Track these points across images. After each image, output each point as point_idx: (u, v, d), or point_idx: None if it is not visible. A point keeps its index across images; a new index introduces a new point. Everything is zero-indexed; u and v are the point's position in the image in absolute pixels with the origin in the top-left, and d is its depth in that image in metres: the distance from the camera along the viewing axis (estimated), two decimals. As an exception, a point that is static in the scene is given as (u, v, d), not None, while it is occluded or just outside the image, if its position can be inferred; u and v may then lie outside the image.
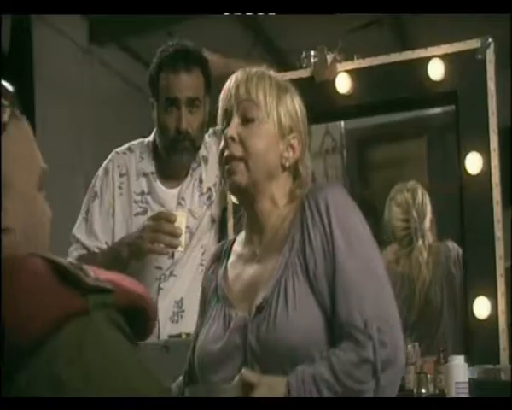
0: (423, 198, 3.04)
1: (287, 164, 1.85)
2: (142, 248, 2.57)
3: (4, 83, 1.17)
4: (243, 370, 1.65)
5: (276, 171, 1.84)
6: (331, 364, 1.63)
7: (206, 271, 2.02)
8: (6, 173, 1.10)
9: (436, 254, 2.99)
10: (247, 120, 1.82)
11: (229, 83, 1.88)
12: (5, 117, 1.11)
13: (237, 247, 1.95)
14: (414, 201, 3.04)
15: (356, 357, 1.62)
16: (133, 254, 2.61)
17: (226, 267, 1.93)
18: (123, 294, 1.06)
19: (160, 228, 2.52)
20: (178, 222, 2.52)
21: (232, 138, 1.82)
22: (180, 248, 2.56)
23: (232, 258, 1.94)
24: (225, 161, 1.83)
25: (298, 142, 1.86)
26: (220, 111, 1.90)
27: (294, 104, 1.87)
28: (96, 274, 1.05)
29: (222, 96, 1.90)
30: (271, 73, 1.89)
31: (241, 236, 1.96)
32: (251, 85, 1.83)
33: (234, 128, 1.82)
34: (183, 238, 2.54)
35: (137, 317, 1.08)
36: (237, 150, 1.81)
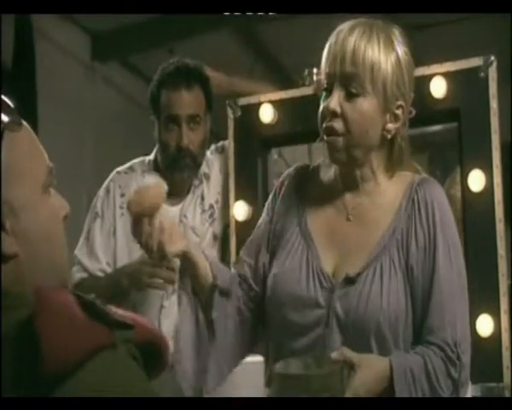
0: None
1: (388, 136, 1.82)
2: (141, 282, 2.56)
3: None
4: (344, 348, 1.68)
5: (376, 143, 1.82)
6: (426, 367, 1.70)
7: (280, 194, 1.97)
8: (5, 188, 1.10)
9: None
10: (351, 95, 1.76)
11: (336, 41, 1.78)
12: None
13: (322, 182, 1.93)
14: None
15: (445, 370, 1.70)
16: (133, 285, 2.61)
17: (309, 199, 1.91)
18: (141, 330, 1.10)
19: (159, 263, 2.52)
20: None
21: (334, 113, 1.76)
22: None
23: (315, 193, 1.92)
24: (325, 132, 1.79)
25: (402, 110, 1.82)
26: (325, 68, 1.81)
27: (401, 65, 1.79)
28: (115, 311, 1.09)
29: (326, 53, 1.81)
30: (378, 25, 1.80)
31: (329, 175, 1.92)
32: (358, 55, 1.74)
33: (336, 101, 1.76)
34: None
35: (152, 353, 1.13)
36: (339, 125, 1.77)
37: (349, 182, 1.86)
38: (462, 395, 1.74)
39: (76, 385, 1.00)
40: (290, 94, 2.89)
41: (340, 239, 1.84)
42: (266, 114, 2.88)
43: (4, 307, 1.06)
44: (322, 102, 1.83)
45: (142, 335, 1.10)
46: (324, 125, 1.79)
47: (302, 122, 2.79)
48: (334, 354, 1.65)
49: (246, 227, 2.84)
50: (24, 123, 1.17)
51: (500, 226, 2.49)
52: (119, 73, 5.60)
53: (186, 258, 1.88)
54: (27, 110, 4.11)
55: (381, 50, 1.76)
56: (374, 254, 1.77)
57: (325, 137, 1.80)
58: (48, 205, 1.18)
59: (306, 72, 2.89)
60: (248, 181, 2.89)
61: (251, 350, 1.97)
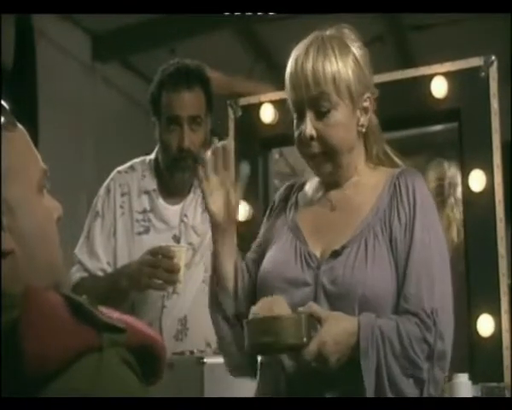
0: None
1: (363, 130, 1.92)
2: (141, 283, 2.56)
3: None
4: (311, 302, 1.75)
5: (355, 142, 1.92)
6: (398, 328, 1.74)
7: (272, 209, 2.08)
8: (1, 187, 1.11)
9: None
10: (321, 114, 1.85)
11: (295, 69, 1.87)
12: None
13: (308, 189, 2.03)
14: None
15: (419, 333, 1.74)
16: (133, 286, 2.61)
17: (297, 204, 2.01)
18: (134, 334, 1.08)
19: (159, 264, 2.52)
20: (177, 258, 2.52)
21: (312, 137, 1.85)
22: (178, 285, 2.54)
23: (303, 197, 2.02)
24: (307, 157, 1.90)
25: (369, 100, 1.92)
26: (290, 95, 1.91)
27: (359, 62, 1.89)
28: (108, 313, 1.07)
29: (289, 82, 1.90)
30: (330, 35, 1.89)
31: (313, 182, 2.02)
32: (318, 74, 1.83)
33: (310, 126, 1.85)
34: (182, 274, 2.53)
35: (148, 359, 1.10)
36: (318, 148, 1.87)
37: (333, 183, 1.96)
38: (439, 369, 1.77)
39: (58, 387, 0.99)
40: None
41: (325, 226, 1.92)
42: (267, 113, 2.88)
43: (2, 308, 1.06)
44: (294, 125, 1.93)
45: (137, 339, 1.08)
46: (306, 152, 1.89)
47: (303, 122, 2.79)
48: (300, 308, 1.73)
49: (246, 227, 2.84)
50: (18, 124, 1.18)
51: (501, 226, 2.48)
52: (120, 73, 5.61)
53: None
54: (28, 110, 4.11)
55: (337, 59, 1.85)
56: (358, 230, 1.85)
57: (310, 161, 1.91)
58: (42, 205, 1.18)
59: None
60: (249, 181, 2.89)
61: None
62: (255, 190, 2.90)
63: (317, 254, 1.87)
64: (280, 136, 2.90)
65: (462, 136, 2.60)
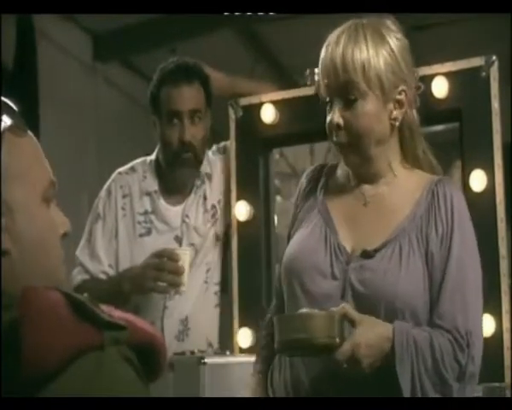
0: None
1: (396, 123, 1.85)
2: (145, 286, 2.56)
3: (4, 99, 1.18)
4: (344, 303, 1.72)
5: (387, 135, 1.86)
6: (431, 340, 1.71)
7: (301, 190, 2.02)
8: (3, 188, 1.11)
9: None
10: (350, 102, 1.81)
11: (325, 55, 1.84)
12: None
13: (340, 177, 1.97)
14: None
15: (452, 352, 1.71)
16: (135, 289, 2.61)
17: (327, 187, 1.96)
18: (135, 332, 1.08)
19: (163, 266, 2.51)
20: (182, 261, 2.51)
21: (338, 126, 1.81)
22: (183, 288, 2.54)
23: (334, 183, 1.97)
24: (335, 147, 1.87)
25: (405, 94, 1.85)
26: (322, 84, 1.86)
27: (395, 53, 1.83)
28: (109, 312, 1.07)
29: (320, 69, 1.86)
30: (366, 24, 1.84)
31: (345, 168, 1.95)
32: (347, 61, 1.79)
33: (337, 114, 1.82)
34: (186, 277, 2.52)
35: (149, 356, 1.10)
36: (345, 137, 1.82)
37: (366, 178, 1.91)
38: (468, 391, 1.74)
39: (58, 387, 0.99)
40: (291, 94, 2.89)
41: (358, 221, 1.88)
42: (268, 114, 2.88)
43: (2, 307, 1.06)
44: (327, 116, 1.87)
45: (138, 336, 1.08)
46: (333, 142, 1.85)
47: (304, 122, 2.80)
48: (334, 308, 1.70)
49: (247, 227, 2.85)
50: (29, 132, 1.18)
51: (501, 226, 2.49)
52: (121, 73, 5.60)
53: None
54: (29, 110, 4.11)
55: (369, 47, 1.80)
56: (393, 235, 1.81)
57: (337, 151, 1.87)
58: (47, 216, 1.18)
59: (308, 71, 2.89)
60: (250, 181, 2.90)
61: None
62: (256, 190, 2.90)
63: (348, 247, 1.84)
64: (281, 136, 2.91)
65: (463, 136, 2.61)
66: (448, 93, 2.61)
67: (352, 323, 1.68)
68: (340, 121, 1.81)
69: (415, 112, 1.90)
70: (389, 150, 1.88)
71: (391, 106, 1.83)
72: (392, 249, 1.78)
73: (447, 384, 1.71)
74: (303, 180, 2.03)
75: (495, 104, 2.52)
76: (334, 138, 1.84)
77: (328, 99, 1.86)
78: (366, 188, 1.90)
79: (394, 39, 1.84)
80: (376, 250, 1.80)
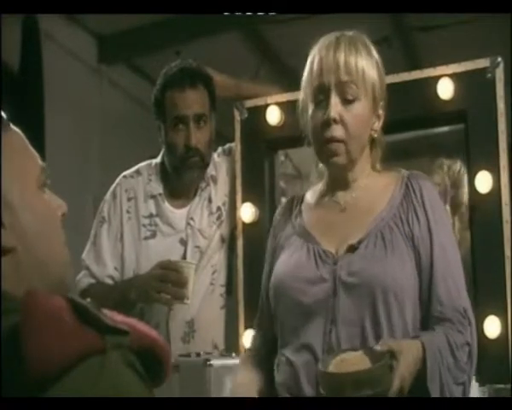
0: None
1: (375, 135, 1.97)
2: (149, 297, 2.56)
3: None
4: (384, 339, 1.75)
5: (367, 143, 1.96)
6: (449, 342, 1.79)
7: (276, 220, 2.12)
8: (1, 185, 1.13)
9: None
10: (347, 101, 1.88)
11: (326, 54, 1.90)
12: None
13: (310, 198, 2.05)
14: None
15: (463, 338, 1.81)
16: (140, 299, 2.61)
17: (301, 212, 2.04)
18: (138, 336, 1.08)
19: (168, 278, 2.51)
20: (186, 273, 2.51)
21: (335, 120, 1.87)
22: (186, 301, 2.53)
23: (306, 206, 2.04)
24: (326, 141, 1.90)
25: (383, 110, 1.96)
26: (315, 80, 1.92)
27: (380, 69, 1.94)
28: (112, 316, 1.07)
29: (316, 64, 1.91)
30: (355, 37, 1.93)
31: (315, 189, 2.05)
32: (350, 64, 1.87)
33: (335, 108, 1.87)
34: (190, 290, 2.52)
35: (152, 361, 1.10)
36: (339, 132, 1.88)
37: (340, 184, 1.98)
38: (473, 358, 1.83)
39: (61, 391, 0.99)
40: (297, 96, 2.87)
41: (337, 227, 1.94)
42: (273, 115, 2.88)
43: (2, 311, 1.06)
44: (311, 111, 1.93)
45: (141, 341, 1.08)
46: (325, 134, 1.89)
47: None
48: (379, 347, 1.70)
49: (252, 229, 2.85)
50: (12, 125, 1.20)
51: (507, 228, 2.48)
52: (126, 75, 5.61)
53: None
54: (34, 112, 4.12)
55: (365, 59, 1.89)
56: (373, 225, 1.88)
57: (326, 145, 1.90)
58: (44, 202, 1.20)
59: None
60: (255, 183, 2.89)
61: None
62: (261, 192, 2.90)
63: (332, 251, 1.89)
64: (286, 138, 2.91)
65: (469, 137, 2.60)
66: (453, 95, 2.61)
67: (394, 355, 1.68)
68: (337, 116, 1.87)
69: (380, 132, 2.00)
70: (365, 158, 1.97)
71: (374, 117, 1.94)
72: (374, 236, 1.85)
73: (465, 371, 1.80)
74: (276, 216, 2.14)
75: (500, 105, 2.52)
76: (329, 133, 1.88)
77: (318, 98, 1.91)
78: (341, 195, 1.97)
79: (377, 56, 1.95)
80: (360, 241, 1.86)
